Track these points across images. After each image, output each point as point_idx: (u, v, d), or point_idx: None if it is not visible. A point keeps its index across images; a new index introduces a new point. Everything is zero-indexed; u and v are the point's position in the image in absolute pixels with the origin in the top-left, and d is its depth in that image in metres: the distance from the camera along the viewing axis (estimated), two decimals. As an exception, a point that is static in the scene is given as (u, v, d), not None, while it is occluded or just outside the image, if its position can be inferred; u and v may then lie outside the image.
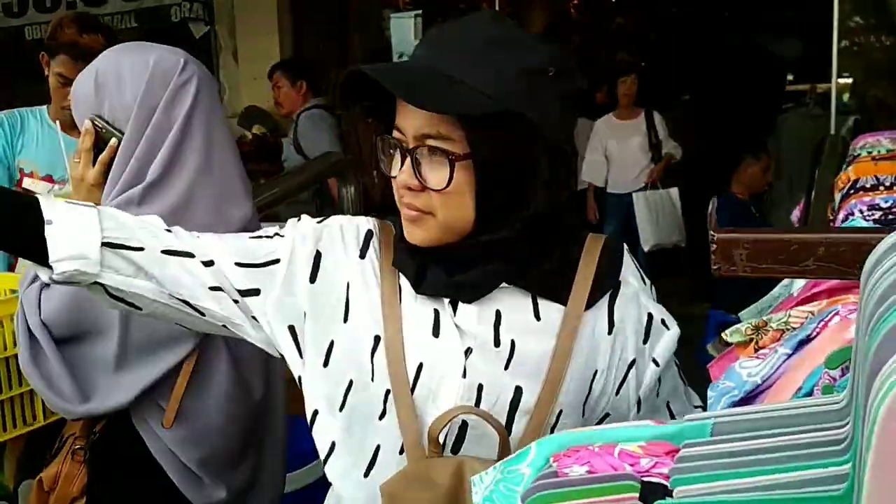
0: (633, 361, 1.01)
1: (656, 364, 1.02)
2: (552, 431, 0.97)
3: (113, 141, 1.42)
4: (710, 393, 0.83)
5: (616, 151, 5.44)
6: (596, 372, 1.00)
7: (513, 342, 0.98)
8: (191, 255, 1.07)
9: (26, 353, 1.43)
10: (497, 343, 0.98)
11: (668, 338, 1.03)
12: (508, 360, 0.98)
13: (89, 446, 1.46)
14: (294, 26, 5.76)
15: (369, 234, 1.09)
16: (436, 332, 1.00)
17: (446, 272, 0.99)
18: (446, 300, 1.01)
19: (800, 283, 0.97)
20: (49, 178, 2.35)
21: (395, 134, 0.96)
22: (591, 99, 6.33)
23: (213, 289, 1.07)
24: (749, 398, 0.78)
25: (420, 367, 0.99)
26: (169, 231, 1.10)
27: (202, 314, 1.09)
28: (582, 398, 1.00)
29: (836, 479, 0.42)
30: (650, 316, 1.02)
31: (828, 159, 1.85)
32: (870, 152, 1.72)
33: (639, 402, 1.02)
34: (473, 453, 0.96)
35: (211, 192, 1.43)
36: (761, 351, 0.81)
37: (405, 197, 0.97)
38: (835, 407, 0.50)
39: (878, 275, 0.45)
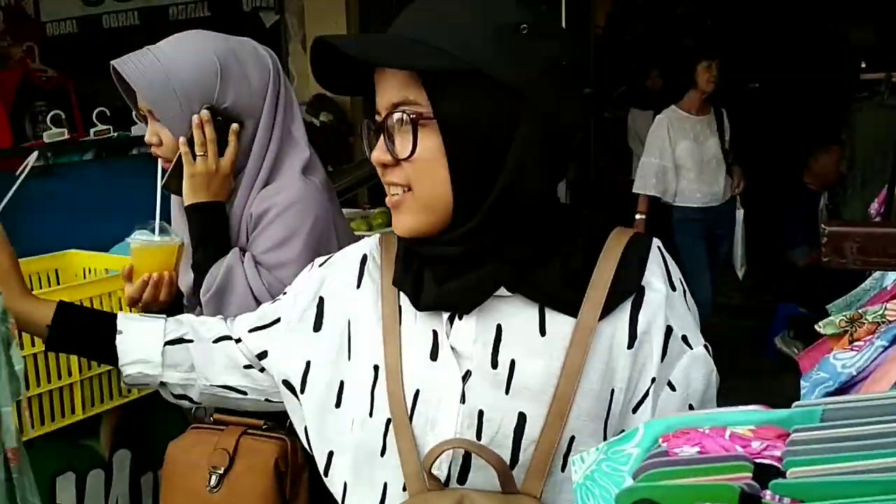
0: (653, 380, 0.89)
1: (672, 388, 0.89)
2: (565, 459, 0.88)
3: (235, 126, 1.45)
4: (803, 383, 0.84)
5: (690, 155, 4.31)
6: (614, 390, 0.89)
7: (513, 362, 0.90)
8: (229, 338, 1.18)
9: None
10: (494, 364, 0.90)
11: (688, 359, 0.90)
12: (508, 383, 0.89)
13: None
14: (361, 13, 5.82)
15: (364, 260, 1.06)
16: (433, 355, 0.93)
17: (438, 282, 0.92)
18: (445, 316, 0.94)
19: (892, 276, 0.97)
20: None
21: (376, 116, 0.91)
22: (641, 87, 6.22)
23: (245, 367, 1.16)
24: (844, 389, 0.80)
25: (417, 394, 0.92)
26: (223, 320, 1.23)
27: (244, 393, 1.19)
28: (600, 421, 0.89)
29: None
30: (669, 329, 0.89)
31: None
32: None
33: None
34: (480, 482, 0.88)
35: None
36: (856, 343, 0.82)
37: (384, 176, 0.92)
38: (945, 397, 0.51)
39: None
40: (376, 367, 0.96)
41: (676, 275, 0.93)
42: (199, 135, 1.43)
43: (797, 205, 4.49)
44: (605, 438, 0.88)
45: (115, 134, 3.08)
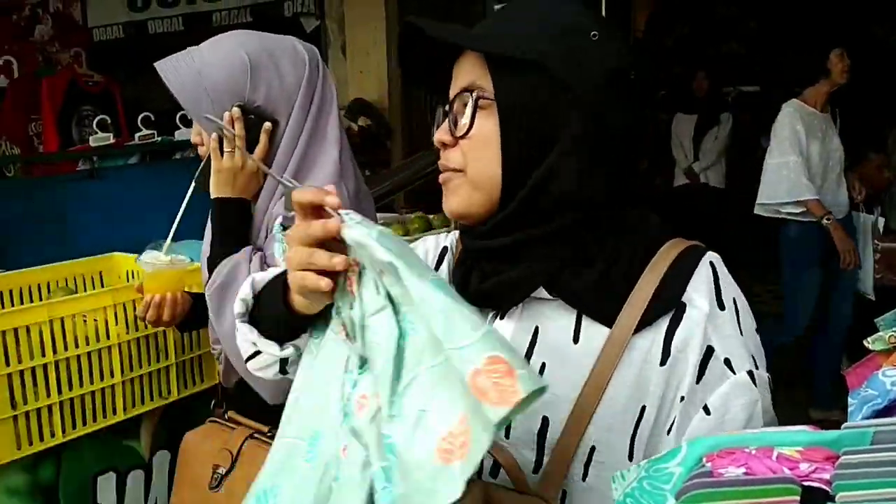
0: (682, 398, 0.85)
1: (707, 412, 0.84)
2: (586, 471, 0.86)
3: (267, 125, 1.45)
4: (850, 401, 0.82)
5: (820, 158, 3.63)
6: (644, 407, 0.86)
7: (543, 366, 0.90)
8: None
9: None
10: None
11: (728, 385, 0.84)
12: None
13: None
14: (401, 19, 5.85)
15: (444, 252, 1.05)
16: None
17: (481, 279, 0.93)
18: (489, 315, 0.94)
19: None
20: None
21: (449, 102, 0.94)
22: (686, 90, 6.11)
23: None
24: (893, 407, 0.77)
25: None
26: None
27: None
28: (626, 436, 0.87)
29: None
30: (710, 350, 0.85)
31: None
32: None
33: None
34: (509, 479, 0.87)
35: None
36: (907, 360, 0.80)
37: (442, 156, 0.93)
38: None
39: None
40: None
41: (731, 293, 0.89)
42: (227, 129, 1.44)
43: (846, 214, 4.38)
44: (631, 455, 0.86)
45: (160, 139, 3.13)
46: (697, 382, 0.84)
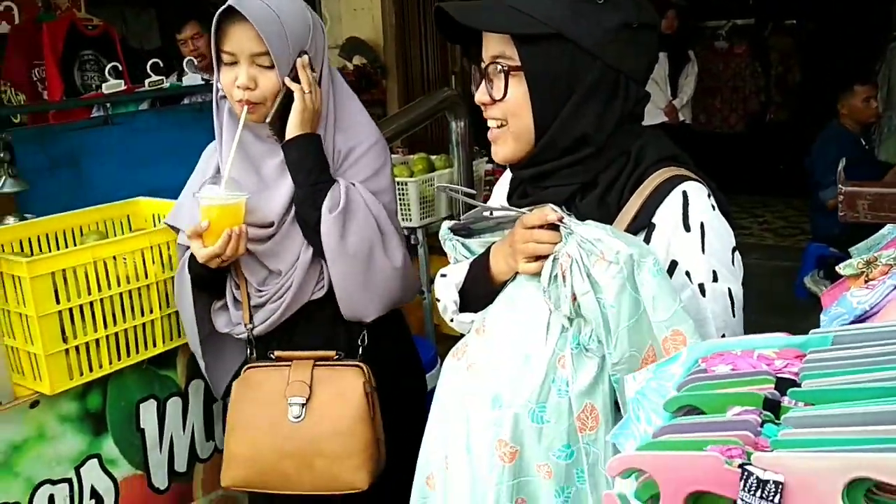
0: None
1: None
2: None
3: (316, 75, 1.62)
4: (823, 317, 0.96)
5: None
6: None
7: None
8: None
9: (404, 251, 1.69)
10: None
11: (689, 291, 1.04)
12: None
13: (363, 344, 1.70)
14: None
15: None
16: None
17: (522, 195, 1.18)
18: None
19: (908, 224, 1.07)
20: None
21: (482, 63, 1.14)
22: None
23: None
24: (857, 322, 0.92)
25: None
26: None
27: None
28: None
29: (931, 375, 0.57)
30: (674, 262, 1.05)
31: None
32: None
33: None
34: None
35: None
36: (871, 282, 0.94)
37: (485, 112, 1.16)
38: (934, 325, 0.64)
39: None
40: None
41: (699, 218, 1.07)
42: (304, 76, 1.58)
43: (829, 145, 4.49)
44: None
45: (169, 84, 3.20)
46: None
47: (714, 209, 1.09)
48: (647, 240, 1.06)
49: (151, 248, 1.86)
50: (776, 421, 0.60)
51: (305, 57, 1.59)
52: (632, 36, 1.08)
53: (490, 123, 1.16)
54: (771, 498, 0.51)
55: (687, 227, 1.06)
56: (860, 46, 6.49)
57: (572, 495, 1.08)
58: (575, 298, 1.03)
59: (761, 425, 0.59)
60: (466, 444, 1.16)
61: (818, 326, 1.01)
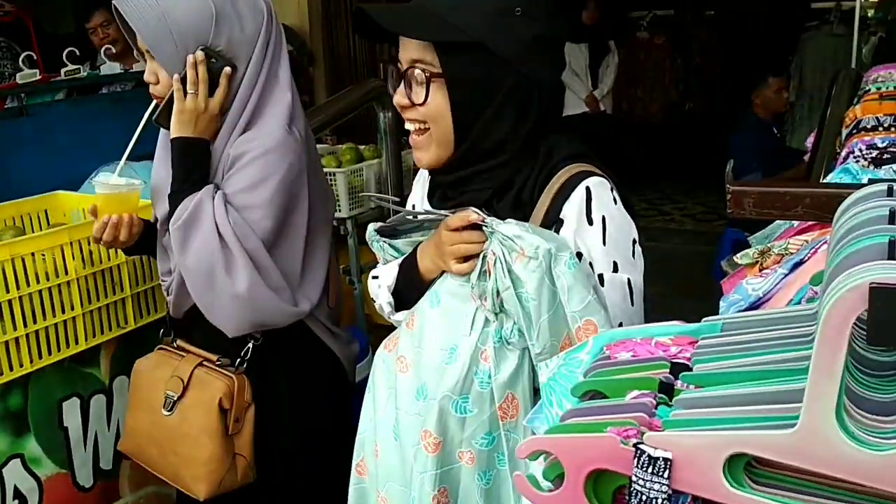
0: None
1: None
2: None
3: (227, 69, 1.51)
4: (721, 303, 1.04)
5: None
6: None
7: None
8: None
9: (254, 274, 1.51)
10: None
11: (605, 287, 1.11)
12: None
13: (248, 357, 1.64)
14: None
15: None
16: None
17: (443, 199, 1.22)
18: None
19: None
20: None
21: (399, 64, 1.17)
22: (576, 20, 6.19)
23: None
24: (752, 308, 0.99)
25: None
26: None
27: None
28: None
29: (802, 359, 0.63)
30: (579, 254, 1.11)
31: (840, 93, 2.00)
32: (878, 88, 1.87)
33: None
34: None
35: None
36: (765, 271, 1.01)
37: (404, 114, 1.18)
38: (808, 312, 0.70)
39: (843, 219, 0.65)
40: None
41: (601, 212, 1.13)
42: (191, 74, 1.50)
43: (746, 135, 4.68)
44: None
45: (85, 73, 3.11)
46: None
47: (616, 202, 1.15)
48: (558, 234, 1.12)
49: (71, 243, 1.83)
50: (669, 403, 0.66)
51: (200, 53, 1.50)
52: (545, 47, 1.13)
53: (409, 126, 1.18)
54: (661, 473, 0.56)
55: (590, 221, 1.12)
56: (775, 38, 6.75)
57: (493, 478, 1.14)
58: (498, 294, 1.08)
59: (656, 407, 0.65)
60: (395, 432, 1.20)
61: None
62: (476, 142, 1.13)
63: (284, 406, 1.68)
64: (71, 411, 1.94)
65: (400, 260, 1.29)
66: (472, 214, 1.10)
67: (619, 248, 1.13)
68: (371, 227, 1.30)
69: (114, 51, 3.28)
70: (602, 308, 1.05)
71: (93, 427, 1.99)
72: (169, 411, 1.66)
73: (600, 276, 1.12)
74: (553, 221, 1.13)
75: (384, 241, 1.30)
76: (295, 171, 1.55)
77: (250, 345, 1.63)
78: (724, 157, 4.91)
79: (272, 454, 1.68)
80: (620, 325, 1.11)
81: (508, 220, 1.09)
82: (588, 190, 1.13)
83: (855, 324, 0.52)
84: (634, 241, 1.16)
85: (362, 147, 3.26)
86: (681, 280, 4.52)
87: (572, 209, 1.12)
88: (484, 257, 1.10)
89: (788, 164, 4.29)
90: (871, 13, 6.01)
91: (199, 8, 1.49)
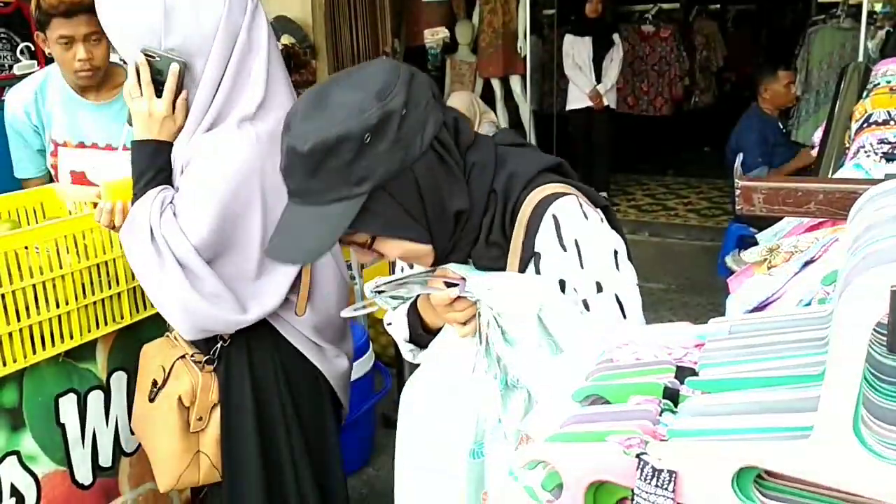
0: None
1: None
2: None
3: (174, 67, 1.46)
4: (728, 302, 1.00)
5: None
6: None
7: None
8: None
9: (183, 281, 1.50)
10: None
11: (593, 311, 1.08)
12: None
13: (217, 356, 1.64)
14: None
15: None
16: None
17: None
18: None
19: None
20: (81, 145, 2.30)
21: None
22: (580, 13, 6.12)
23: None
24: (760, 307, 0.96)
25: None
26: None
27: None
28: None
29: (815, 364, 0.60)
30: (562, 282, 1.09)
31: (849, 87, 1.96)
32: (889, 82, 1.83)
33: None
34: None
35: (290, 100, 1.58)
36: (773, 269, 0.98)
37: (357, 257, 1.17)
38: (821, 314, 0.67)
39: (860, 217, 0.62)
40: None
41: (571, 236, 1.09)
42: (133, 77, 1.48)
43: (752, 129, 4.64)
44: None
45: None
46: None
47: (587, 218, 1.10)
48: (538, 269, 1.10)
49: (66, 237, 1.80)
50: (674, 409, 0.62)
51: (140, 56, 1.46)
52: (407, 134, 1.03)
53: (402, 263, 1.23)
54: (665, 486, 0.53)
55: (563, 247, 1.09)
56: (782, 31, 6.69)
57: None
58: (500, 361, 1.07)
59: (660, 414, 0.62)
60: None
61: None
62: (441, 236, 1.11)
63: (248, 411, 1.67)
64: (68, 407, 1.91)
65: (406, 309, 1.31)
66: (452, 290, 1.09)
67: (599, 267, 1.10)
68: (367, 287, 1.27)
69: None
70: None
71: (91, 423, 1.96)
72: (151, 399, 1.69)
73: (584, 301, 1.09)
74: (530, 257, 1.10)
75: (384, 297, 1.26)
76: (244, 173, 1.50)
77: (218, 345, 1.64)
78: (728, 152, 4.88)
79: (239, 456, 1.67)
80: None
81: (491, 273, 1.09)
82: (555, 218, 1.09)
83: (873, 329, 0.49)
84: (616, 252, 1.12)
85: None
86: (684, 275, 4.49)
87: (545, 240, 1.09)
88: (480, 314, 1.10)
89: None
90: (878, 7, 5.95)
91: (147, 6, 1.44)
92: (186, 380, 1.62)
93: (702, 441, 0.55)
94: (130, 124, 1.59)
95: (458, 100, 4.14)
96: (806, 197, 0.74)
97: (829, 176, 1.57)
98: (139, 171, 1.54)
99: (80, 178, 2.30)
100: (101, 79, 2.21)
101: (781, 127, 4.95)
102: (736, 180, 0.78)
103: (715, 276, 4.73)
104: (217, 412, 1.65)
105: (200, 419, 1.62)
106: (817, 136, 2.43)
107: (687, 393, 0.64)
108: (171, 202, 1.52)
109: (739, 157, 1.07)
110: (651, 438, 0.58)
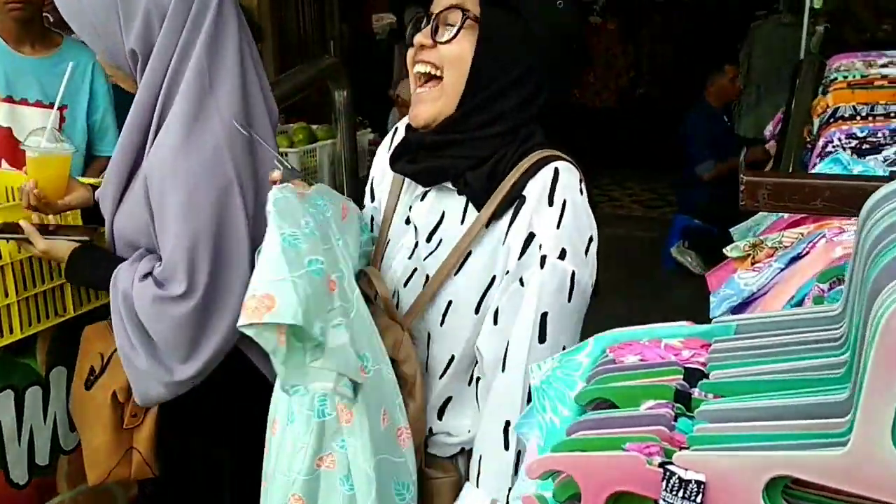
0: (507, 272, 1.10)
1: (521, 283, 1.09)
2: (443, 318, 1.16)
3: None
4: (712, 298, 0.99)
5: None
6: (494, 277, 1.12)
7: (439, 241, 1.18)
8: None
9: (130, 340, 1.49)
10: (429, 239, 1.20)
11: (542, 265, 1.07)
12: (430, 254, 1.18)
13: None
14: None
15: (395, 132, 1.34)
16: (407, 221, 1.25)
17: (410, 161, 1.19)
18: (416, 194, 1.23)
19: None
20: (9, 99, 2.22)
21: (431, 12, 1.15)
22: None
23: None
24: (745, 304, 0.95)
25: (388, 242, 1.27)
26: None
27: None
28: (476, 297, 1.13)
29: (834, 366, 0.59)
30: (531, 235, 1.08)
31: (805, 82, 1.99)
32: (845, 77, 1.86)
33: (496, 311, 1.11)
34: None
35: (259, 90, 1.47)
36: (757, 265, 0.97)
37: (420, 55, 1.15)
38: (830, 314, 0.66)
39: (875, 217, 0.60)
40: (372, 218, 1.36)
41: (563, 195, 1.09)
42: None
43: (700, 122, 4.73)
44: (477, 310, 1.13)
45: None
46: (519, 259, 1.09)
47: (582, 193, 1.12)
48: (517, 212, 1.10)
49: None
50: (689, 414, 0.60)
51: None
52: (565, 53, 1.13)
53: (420, 68, 1.15)
54: (693, 497, 0.51)
55: (550, 202, 1.09)
56: (727, 25, 6.81)
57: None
58: None
59: (675, 419, 0.59)
60: None
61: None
62: (482, 105, 1.11)
63: (187, 413, 1.59)
64: (4, 404, 1.80)
65: None
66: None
67: (572, 238, 1.09)
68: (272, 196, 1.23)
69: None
70: None
71: (28, 421, 1.86)
72: (87, 388, 1.63)
73: (543, 258, 1.07)
74: (515, 198, 1.10)
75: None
76: (222, 189, 1.35)
77: None
78: (675, 144, 4.94)
79: (180, 456, 1.63)
80: (544, 314, 1.06)
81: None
82: (556, 171, 1.10)
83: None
84: (591, 240, 1.12)
85: (315, 127, 3.15)
86: (628, 265, 4.54)
87: (536, 187, 1.09)
88: None
89: (736, 152, 4.34)
90: (817, 3, 6.09)
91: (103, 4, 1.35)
92: (123, 376, 1.54)
93: (729, 450, 0.52)
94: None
95: (407, 87, 4.08)
96: (813, 193, 0.73)
97: (790, 171, 1.58)
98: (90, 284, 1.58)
99: (6, 134, 2.23)
100: (37, 31, 2.13)
101: (726, 120, 5.04)
102: (741, 175, 0.76)
103: (660, 267, 4.81)
104: (154, 410, 1.58)
105: (135, 416, 1.57)
106: (769, 131, 2.46)
107: (700, 396, 0.62)
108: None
109: (745, 151, 1.04)
110: (669, 445, 0.56)
